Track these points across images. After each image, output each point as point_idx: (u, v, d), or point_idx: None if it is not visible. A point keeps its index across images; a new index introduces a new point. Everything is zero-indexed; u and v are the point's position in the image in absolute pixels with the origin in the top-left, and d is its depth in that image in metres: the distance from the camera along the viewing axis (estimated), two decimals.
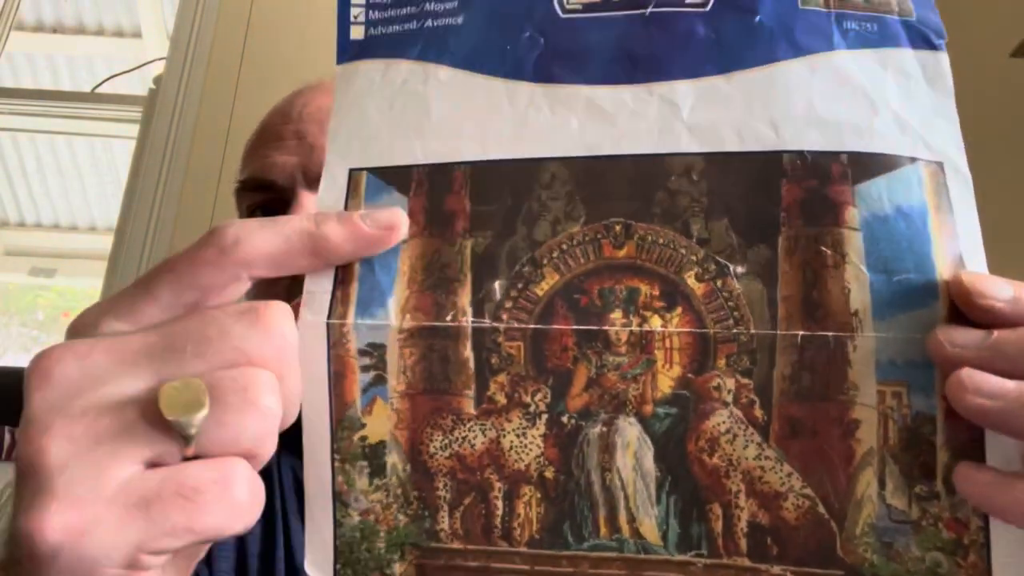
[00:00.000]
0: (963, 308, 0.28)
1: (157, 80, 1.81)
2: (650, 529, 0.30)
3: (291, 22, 1.81)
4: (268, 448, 0.28)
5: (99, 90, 2.40)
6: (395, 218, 0.31)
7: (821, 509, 0.29)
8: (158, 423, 0.25)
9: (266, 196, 0.64)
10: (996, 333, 0.27)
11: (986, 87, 1.64)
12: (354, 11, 0.36)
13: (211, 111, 1.72)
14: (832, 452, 0.29)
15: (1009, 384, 0.26)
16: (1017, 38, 1.49)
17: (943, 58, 0.32)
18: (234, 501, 0.26)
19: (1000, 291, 0.28)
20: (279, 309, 0.28)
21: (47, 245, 3.47)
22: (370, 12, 0.36)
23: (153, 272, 0.29)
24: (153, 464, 0.26)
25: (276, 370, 0.28)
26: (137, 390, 0.26)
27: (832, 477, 0.29)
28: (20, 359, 3.42)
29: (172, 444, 0.26)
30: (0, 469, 1.34)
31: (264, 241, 0.29)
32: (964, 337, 0.28)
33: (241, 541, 0.57)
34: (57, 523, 0.25)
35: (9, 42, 2.19)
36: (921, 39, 0.32)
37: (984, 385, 0.27)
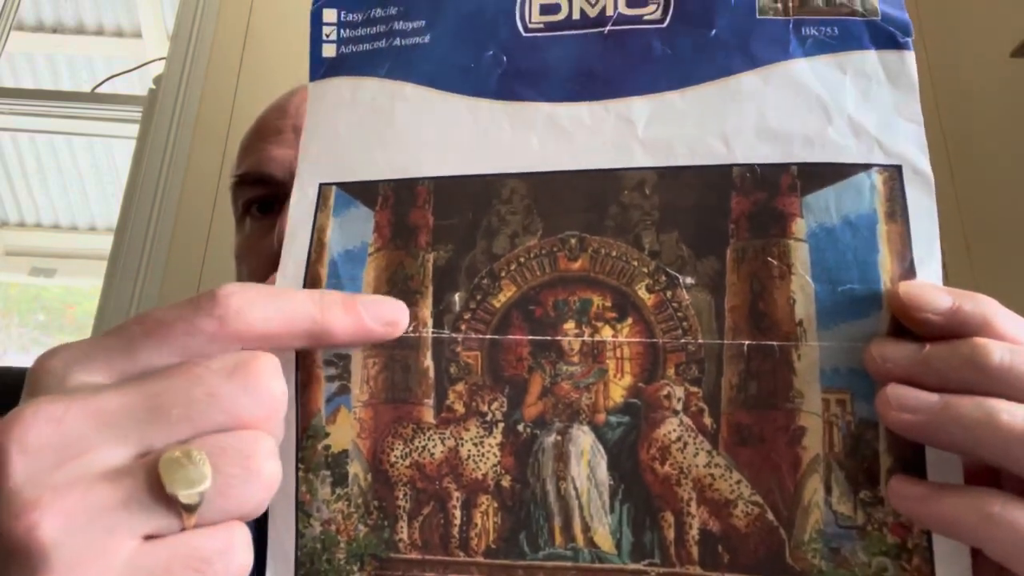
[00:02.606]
0: (902, 319, 0.29)
1: (157, 80, 1.81)
2: (604, 538, 0.30)
3: (291, 22, 1.82)
4: (263, 509, 0.27)
5: (99, 90, 2.40)
6: (398, 315, 0.31)
7: (770, 516, 0.30)
8: (158, 496, 0.25)
9: (263, 191, 0.64)
10: (928, 347, 0.28)
11: (986, 87, 1.64)
12: (326, 30, 0.37)
13: (211, 111, 1.73)
14: (779, 459, 0.30)
15: (932, 398, 0.27)
16: (1017, 38, 1.49)
17: (908, 56, 0.32)
18: (238, 567, 0.26)
19: (936, 303, 0.28)
20: (268, 365, 0.27)
21: (47, 245, 3.47)
22: (341, 31, 0.37)
23: (138, 327, 0.27)
24: (150, 536, 0.25)
25: (269, 430, 0.27)
26: (125, 458, 0.25)
27: (780, 484, 0.30)
28: (20, 359, 3.43)
29: (173, 516, 0.25)
30: None
31: (267, 320, 0.28)
32: (895, 351, 0.28)
33: None
34: None
35: (9, 42, 2.20)
36: (886, 38, 0.32)
37: (906, 400, 0.27)
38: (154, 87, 1.82)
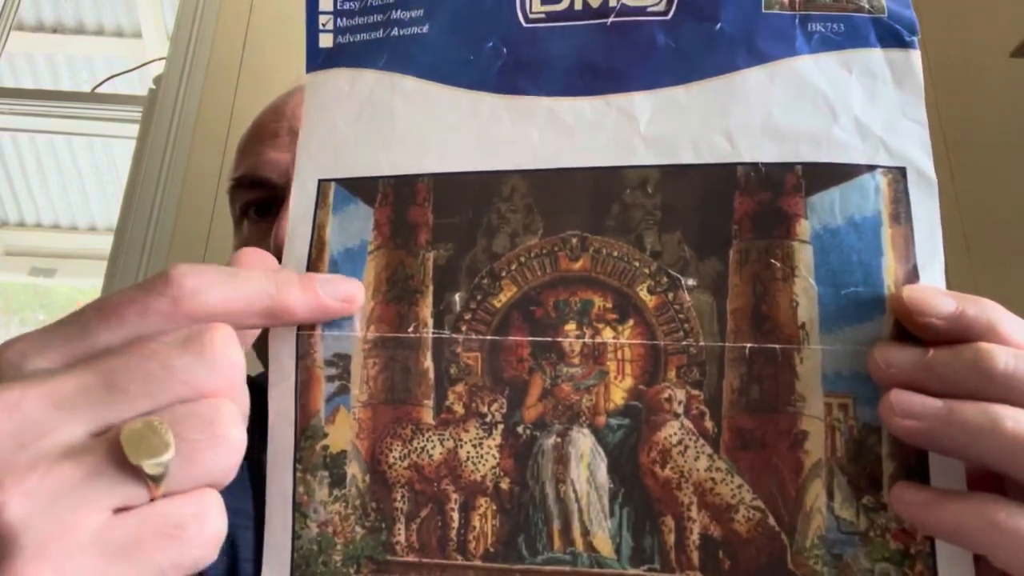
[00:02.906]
0: (905, 324, 0.29)
1: (157, 80, 1.81)
2: (603, 542, 0.30)
3: (291, 22, 1.82)
4: (233, 475, 0.27)
5: (99, 90, 2.40)
6: (354, 291, 0.32)
7: (771, 521, 0.29)
8: (122, 468, 0.24)
9: (261, 194, 0.64)
10: (931, 352, 0.28)
11: (986, 87, 1.63)
12: (322, 19, 0.36)
13: (211, 111, 1.73)
14: (781, 464, 0.29)
15: (936, 404, 0.27)
16: (1017, 38, 1.49)
17: (914, 56, 0.31)
18: (213, 531, 0.26)
19: (940, 307, 0.28)
20: (222, 335, 0.27)
21: (47, 245, 3.47)
22: (338, 20, 0.36)
23: (91, 312, 0.27)
24: (120, 509, 0.25)
25: (231, 397, 0.27)
26: (84, 435, 0.25)
27: (782, 489, 0.29)
28: None
29: (140, 487, 0.25)
30: None
31: (222, 298, 0.28)
32: (899, 356, 0.28)
33: (232, 544, 0.57)
34: None
35: (9, 42, 2.20)
36: (891, 37, 0.32)
37: (910, 406, 0.27)
38: (154, 87, 1.82)
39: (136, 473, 0.25)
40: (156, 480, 0.25)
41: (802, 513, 0.29)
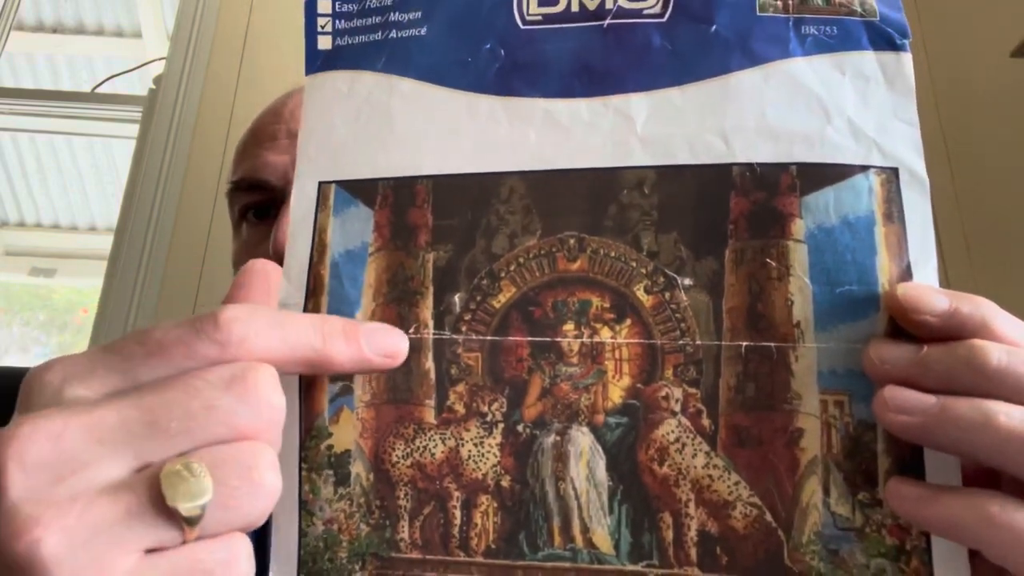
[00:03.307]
0: (900, 321, 0.29)
1: (157, 80, 1.81)
2: (603, 539, 0.30)
3: (291, 22, 1.82)
4: (263, 520, 0.27)
5: (99, 90, 2.40)
6: (398, 346, 0.31)
7: (768, 517, 0.30)
8: (159, 509, 0.25)
9: (259, 197, 0.64)
10: (925, 349, 0.28)
11: (986, 87, 1.64)
12: (321, 21, 0.36)
13: (211, 111, 1.73)
14: (778, 461, 0.30)
15: (928, 400, 0.27)
16: (1017, 38, 1.49)
17: (906, 59, 0.32)
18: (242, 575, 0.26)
19: (934, 304, 0.28)
20: (265, 376, 0.27)
21: (47, 245, 3.47)
22: (337, 22, 0.36)
23: (135, 346, 0.27)
24: (151, 550, 0.25)
25: (268, 441, 0.27)
26: (124, 472, 0.25)
27: (778, 485, 0.30)
28: (20, 359, 3.43)
29: (174, 529, 0.25)
30: None
31: (269, 348, 0.28)
32: (893, 353, 0.28)
33: None
34: None
35: (9, 42, 2.20)
36: (883, 40, 0.32)
37: (904, 402, 0.27)
38: (154, 87, 1.82)
39: (172, 515, 0.25)
40: (191, 523, 0.25)
41: (799, 509, 0.29)
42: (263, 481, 0.26)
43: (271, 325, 0.28)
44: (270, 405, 0.27)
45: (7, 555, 0.24)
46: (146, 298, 1.62)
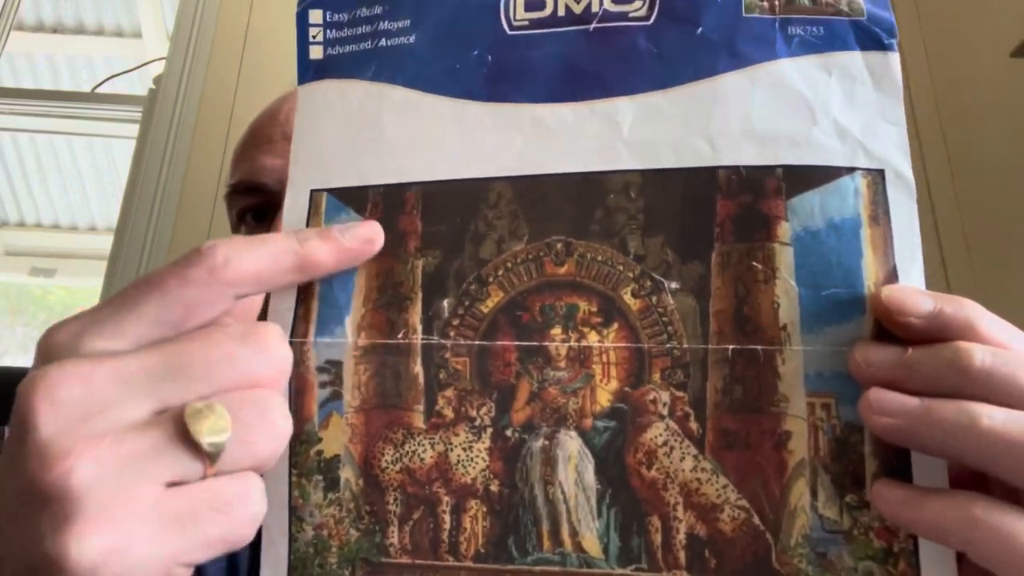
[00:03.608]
0: (885, 323, 0.29)
1: (157, 80, 1.82)
2: (591, 543, 0.31)
3: (291, 22, 1.82)
4: (275, 461, 0.29)
5: (99, 90, 2.40)
6: (373, 232, 0.33)
7: (756, 520, 0.30)
8: (183, 444, 0.26)
9: (257, 200, 0.64)
10: (910, 351, 0.28)
11: (986, 87, 1.64)
12: (312, 31, 0.37)
13: (211, 111, 1.73)
14: (765, 463, 0.30)
15: (913, 402, 0.27)
16: (1017, 38, 1.49)
17: (893, 58, 0.32)
18: (256, 511, 0.28)
19: (919, 306, 0.28)
20: (276, 331, 0.30)
21: (47, 245, 3.48)
22: (328, 31, 0.37)
23: (136, 289, 0.29)
24: (172, 484, 0.27)
25: (278, 389, 0.30)
26: (147, 411, 0.27)
27: (766, 488, 0.30)
28: (20, 359, 3.44)
29: (196, 463, 0.27)
30: None
31: (253, 260, 0.30)
32: (878, 355, 0.29)
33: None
34: (95, 544, 0.25)
35: (9, 42, 2.20)
36: (870, 40, 0.32)
37: (888, 404, 0.28)
38: (154, 87, 1.83)
39: (195, 450, 0.27)
40: (212, 458, 0.27)
41: (786, 512, 0.30)
42: (276, 422, 0.28)
43: (249, 243, 0.30)
44: (280, 357, 0.30)
45: (38, 486, 0.25)
46: None
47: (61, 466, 0.25)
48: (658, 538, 0.30)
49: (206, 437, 0.26)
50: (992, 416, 0.26)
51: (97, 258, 3.14)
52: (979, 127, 1.64)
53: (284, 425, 0.29)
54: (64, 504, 0.25)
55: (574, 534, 0.31)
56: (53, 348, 0.28)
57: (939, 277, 1.65)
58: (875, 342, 0.29)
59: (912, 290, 0.29)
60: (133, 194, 1.72)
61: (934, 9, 1.75)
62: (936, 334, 0.28)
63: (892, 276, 0.30)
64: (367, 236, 0.33)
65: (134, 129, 1.89)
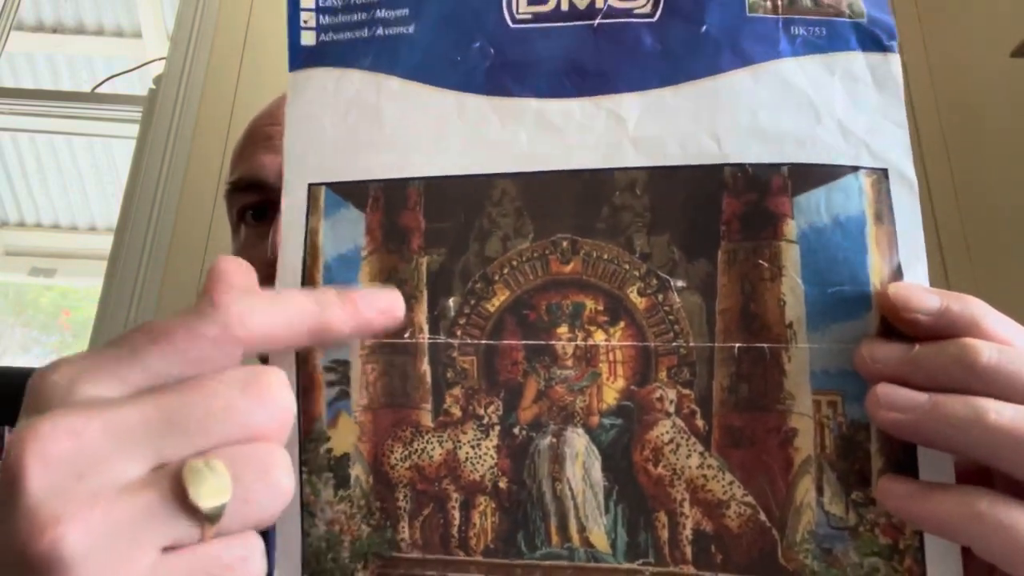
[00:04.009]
0: (891, 320, 0.29)
1: (157, 80, 1.82)
2: (599, 538, 0.31)
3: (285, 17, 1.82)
4: (275, 519, 0.28)
5: (99, 90, 2.40)
6: (394, 302, 0.32)
7: (762, 517, 0.30)
8: (180, 506, 0.25)
9: (257, 197, 0.65)
10: (917, 347, 0.28)
11: (986, 87, 1.64)
12: (304, 16, 0.36)
13: (211, 111, 1.73)
14: (771, 460, 0.30)
15: (920, 397, 0.28)
16: (1017, 38, 1.49)
17: (894, 59, 0.32)
18: (256, 573, 0.27)
19: (925, 303, 0.29)
20: (278, 378, 0.28)
21: (47, 245, 3.47)
22: (320, 17, 0.36)
23: (141, 335, 0.27)
24: (170, 547, 0.25)
25: (280, 442, 0.28)
26: (143, 470, 0.25)
27: (772, 485, 0.30)
28: (20, 359, 3.43)
29: (195, 527, 0.25)
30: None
31: (268, 321, 0.28)
32: (885, 351, 0.29)
33: None
34: None
35: (9, 42, 2.20)
36: (871, 41, 0.33)
37: (896, 399, 0.28)
38: (154, 87, 1.83)
39: (192, 512, 0.25)
40: (212, 520, 0.25)
41: (792, 508, 0.30)
42: (279, 481, 0.27)
43: (267, 301, 0.29)
44: (283, 407, 0.28)
45: (28, 553, 0.24)
46: (146, 298, 1.62)
47: (52, 532, 0.24)
48: (665, 533, 0.30)
49: (205, 500, 0.25)
50: (1000, 411, 0.27)
51: (97, 258, 3.13)
52: (979, 127, 1.64)
53: (287, 483, 0.27)
54: (55, 574, 0.24)
55: (582, 529, 0.31)
56: (45, 393, 0.27)
57: (939, 277, 1.65)
58: (881, 339, 0.29)
59: (918, 287, 0.29)
60: (133, 194, 1.72)
61: (934, 9, 1.75)
62: (942, 331, 0.28)
63: (897, 274, 0.30)
64: (387, 307, 0.31)
65: (134, 129, 1.89)
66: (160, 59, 2.09)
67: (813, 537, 0.30)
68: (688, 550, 0.30)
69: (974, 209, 1.63)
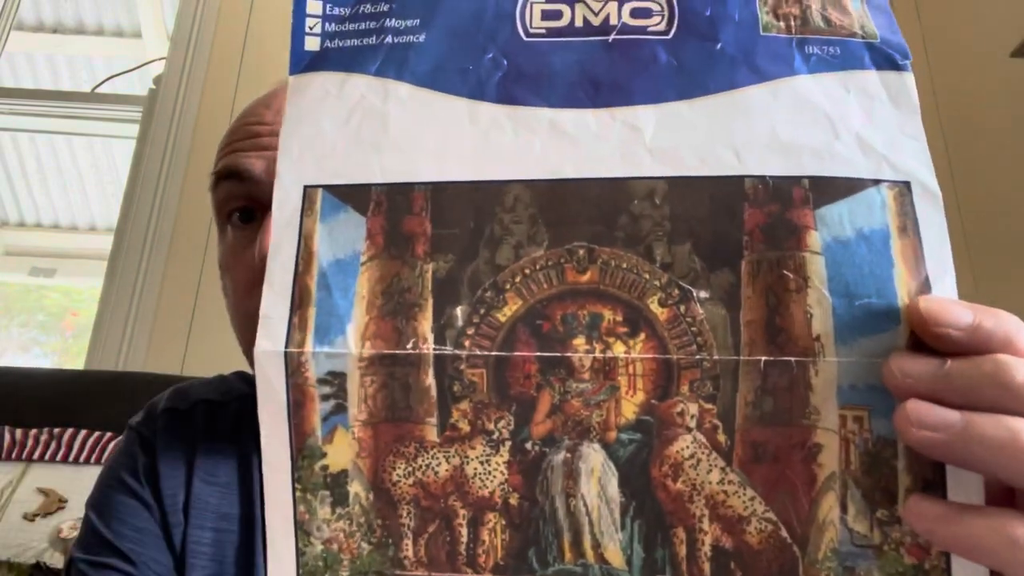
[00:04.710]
0: (921, 335, 0.28)
1: (157, 80, 1.82)
2: (615, 554, 0.30)
3: (291, 22, 1.81)
4: None
5: (99, 90, 2.40)
6: None
7: (784, 533, 0.29)
8: None
9: (243, 189, 0.61)
10: (949, 363, 0.27)
11: (986, 87, 1.63)
12: (309, 22, 0.35)
13: (211, 111, 1.73)
14: (794, 476, 0.29)
15: (953, 416, 0.26)
16: (1017, 38, 1.49)
17: (908, 78, 0.32)
18: None
19: (957, 318, 0.27)
20: None
21: (47, 245, 3.49)
22: (326, 24, 0.35)
23: None
24: None
25: None
26: None
27: (794, 501, 0.29)
28: (19, 359, 3.43)
29: None
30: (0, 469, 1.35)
31: None
32: (916, 367, 0.28)
33: (219, 548, 0.56)
34: None
35: (9, 42, 2.20)
36: (885, 60, 0.32)
37: (927, 417, 0.27)
38: (154, 87, 1.82)
39: None
40: None
41: (815, 525, 0.29)
42: None
43: None
44: None
45: None
46: (146, 298, 1.62)
47: None
48: (683, 550, 0.29)
49: None
50: None
51: (97, 258, 3.14)
52: (979, 127, 1.64)
53: None
54: None
55: (596, 546, 0.30)
56: None
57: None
58: (911, 353, 0.28)
59: (950, 301, 0.28)
60: (133, 194, 1.72)
61: (934, 9, 1.75)
62: (974, 347, 0.27)
63: (925, 287, 0.29)
64: None
65: (134, 129, 1.89)
66: (160, 59, 2.09)
67: (836, 555, 0.29)
68: (707, 567, 0.29)
69: (974, 209, 1.63)
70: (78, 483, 1.23)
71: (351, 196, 0.33)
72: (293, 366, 0.31)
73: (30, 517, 1.19)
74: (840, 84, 0.32)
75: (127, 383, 1.40)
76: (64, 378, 1.54)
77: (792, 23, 0.33)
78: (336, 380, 0.31)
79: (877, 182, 0.31)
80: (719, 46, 0.33)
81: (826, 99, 0.32)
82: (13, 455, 1.26)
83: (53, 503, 1.21)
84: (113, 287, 1.66)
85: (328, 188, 0.33)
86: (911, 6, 1.82)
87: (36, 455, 1.26)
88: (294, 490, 0.31)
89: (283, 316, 0.31)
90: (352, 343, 0.31)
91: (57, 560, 1.15)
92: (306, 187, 0.33)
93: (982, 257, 1.62)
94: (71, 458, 1.26)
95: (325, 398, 0.31)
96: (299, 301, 0.32)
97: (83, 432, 1.28)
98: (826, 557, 0.29)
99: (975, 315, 0.27)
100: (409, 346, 0.31)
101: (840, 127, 0.31)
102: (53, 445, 1.27)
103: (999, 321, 0.28)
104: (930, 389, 0.27)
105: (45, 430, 1.28)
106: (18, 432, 1.28)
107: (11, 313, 3.55)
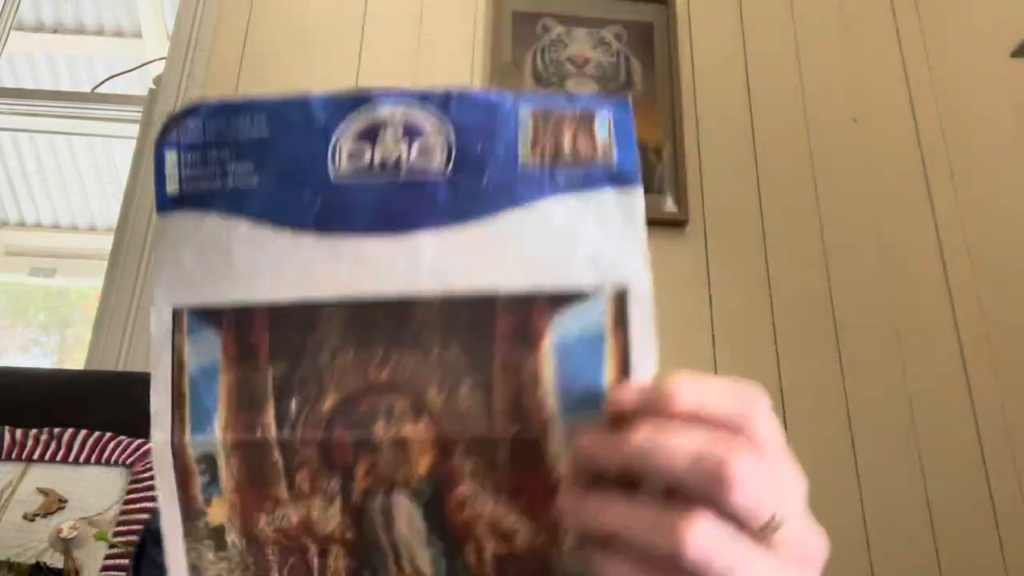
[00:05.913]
0: (612, 411, 0.40)
1: (157, 80, 1.82)
2: (426, 566, 0.43)
3: (291, 22, 1.83)
4: None
5: (99, 90, 2.41)
6: None
7: (541, 539, 0.42)
8: None
9: None
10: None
11: (986, 87, 1.64)
12: (168, 169, 0.44)
13: None
14: (544, 502, 0.41)
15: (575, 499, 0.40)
16: (1017, 38, 1.50)
17: (637, 191, 0.42)
18: None
19: (623, 399, 0.39)
20: None
21: (47, 245, 3.48)
22: (182, 170, 0.44)
23: None
24: None
25: None
26: None
27: (546, 518, 0.42)
28: (20, 359, 3.44)
29: None
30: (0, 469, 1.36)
31: None
32: (589, 442, 0.39)
33: None
34: None
35: (9, 42, 2.21)
36: (620, 178, 0.42)
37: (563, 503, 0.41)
38: (154, 87, 1.83)
39: None
40: None
41: (561, 531, 0.42)
42: None
43: None
44: None
45: None
46: (146, 298, 1.62)
47: None
48: (473, 558, 0.42)
49: None
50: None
51: (97, 258, 3.14)
52: (979, 127, 1.64)
53: None
54: None
55: (412, 560, 0.43)
56: None
57: (939, 277, 1.66)
58: (592, 432, 0.40)
59: (625, 386, 0.40)
60: (133, 194, 1.73)
61: (934, 9, 1.76)
62: (654, 414, 0.38)
63: (626, 375, 0.41)
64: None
65: (134, 129, 1.90)
66: (160, 59, 2.10)
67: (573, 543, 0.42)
68: (491, 569, 0.42)
69: (974, 209, 1.63)
70: (78, 483, 1.25)
71: (208, 317, 0.42)
72: (177, 451, 0.42)
73: (30, 517, 1.21)
74: (582, 202, 0.42)
75: (127, 383, 1.42)
76: (64, 378, 1.56)
77: (545, 158, 0.42)
78: (207, 460, 0.42)
79: (601, 289, 0.41)
80: (486, 178, 0.42)
81: (567, 217, 0.42)
82: (13, 455, 1.28)
83: (53, 503, 1.23)
84: (113, 287, 1.67)
85: (191, 310, 0.42)
86: (911, 6, 1.83)
87: (36, 455, 1.28)
88: (186, 543, 0.43)
89: (167, 412, 0.42)
90: (218, 432, 0.42)
91: (57, 560, 1.17)
92: (174, 310, 0.42)
93: (983, 258, 1.62)
94: (71, 458, 1.28)
95: (203, 473, 0.42)
96: (178, 401, 0.42)
97: (83, 432, 1.31)
98: (569, 548, 0.42)
99: (642, 395, 0.39)
100: (258, 434, 0.42)
101: (578, 242, 0.42)
102: (53, 445, 1.29)
103: (659, 394, 0.38)
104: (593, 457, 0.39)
105: (45, 430, 1.31)
106: (18, 432, 1.30)
107: (11, 313, 3.56)
